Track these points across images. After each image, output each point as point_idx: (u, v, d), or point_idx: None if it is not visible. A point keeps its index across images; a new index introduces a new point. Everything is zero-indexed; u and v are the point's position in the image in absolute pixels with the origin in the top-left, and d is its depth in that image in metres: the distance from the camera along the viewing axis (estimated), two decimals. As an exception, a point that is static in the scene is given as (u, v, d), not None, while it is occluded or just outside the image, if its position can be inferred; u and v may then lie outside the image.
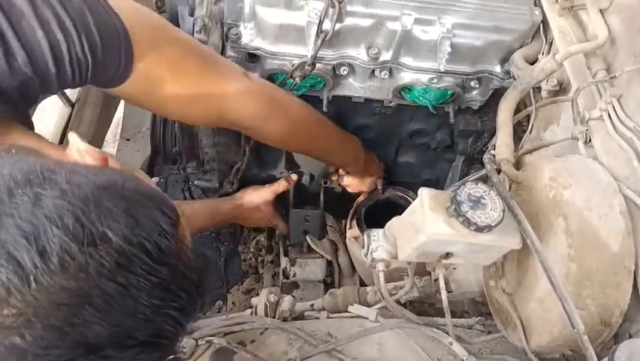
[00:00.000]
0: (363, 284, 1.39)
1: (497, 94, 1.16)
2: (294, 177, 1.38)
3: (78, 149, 0.65)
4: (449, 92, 1.17)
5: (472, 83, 1.16)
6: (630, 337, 0.81)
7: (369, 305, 1.08)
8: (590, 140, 0.89)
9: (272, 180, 1.42)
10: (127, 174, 0.62)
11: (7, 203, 0.52)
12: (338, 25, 1.01)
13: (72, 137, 0.66)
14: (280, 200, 1.43)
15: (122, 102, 1.84)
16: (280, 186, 1.37)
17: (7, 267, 0.49)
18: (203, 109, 0.97)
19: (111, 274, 0.52)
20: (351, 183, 1.40)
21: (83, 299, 0.51)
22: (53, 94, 0.79)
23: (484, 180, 0.93)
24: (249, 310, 1.11)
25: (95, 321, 0.52)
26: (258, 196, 1.37)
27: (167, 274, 0.56)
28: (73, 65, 0.72)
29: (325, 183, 1.44)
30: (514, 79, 1.07)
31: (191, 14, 1.01)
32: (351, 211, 1.43)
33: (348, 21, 1.02)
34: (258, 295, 1.13)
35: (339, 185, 1.44)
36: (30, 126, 0.79)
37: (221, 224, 1.47)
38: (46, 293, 0.50)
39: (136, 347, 0.54)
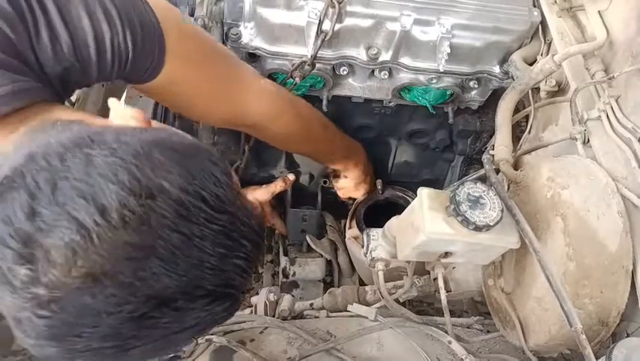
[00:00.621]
0: (362, 284, 1.40)
1: (496, 94, 1.16)
2: (292, 177, 1.39)
3: (120, 113, 0.66)
4: (448, 93, 1.17)
5: (471, 84, 1.16)
6: (628, 336, 0.81)
7: (368, 304, 1.08)
8: (589, 140, 0.90)
9: (271, 179, 1.42)
10: (172, 130, 0.63)
11: (60, 167, 0.52)
12: (338, 26, 1.02)
13: (112, 102, 0.67)
14: (278, 200, 1.43)
15: (122, 101, 1.84)
16: (277, 186, 1.37)
17: (69, 228, 0.50)
18: (225, 108, 0.98)
19: (173, 224, 0.52)
20: (345, 187, 1.40)
21: (148, 252, 0.51)
22: (91, 84, 0.79)
23: (483, 179, 0.93)
24: (248, 309, 1.11)
25: (163, 273, 0.52)
26: (255, 197, 1.38)
27: (228, 221, 0.55)
28: (114, 55, 0.73)
29: (325, 183, 1.45)
30: (513, 79, 1.07)
31: (192, 14, 1.01)
32: (351, 211, 1.43)
33: (348, 21, 1.03)
34: (257, 294, 1.14)
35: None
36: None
37: None
38: (110, 249, 0.50)
39: (206, 297, 0.55)
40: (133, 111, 0.65)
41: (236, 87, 0.97)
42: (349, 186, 1.38)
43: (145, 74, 0.80)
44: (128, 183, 0.52)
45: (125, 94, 1.60)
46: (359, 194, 1.42)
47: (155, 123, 0.67)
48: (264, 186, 1.39)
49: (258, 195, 1.37)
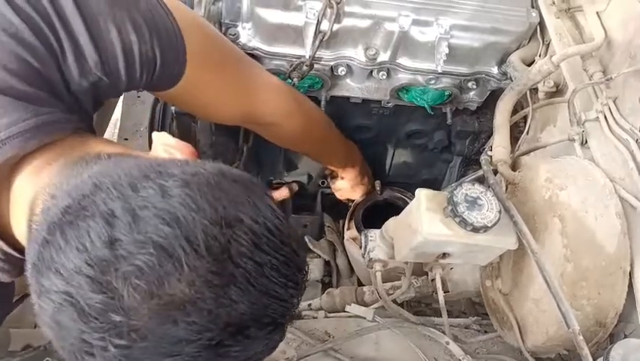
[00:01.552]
0: (360, 284, 1.40)
1: (494, 95, 1.16)
2: (295, 187, 1.39)
3: (166, 144, 0.66)
4: (447, 93, 1.17)
5: (470, 84, 1.16)
6: (625, 337, 0.81)
7: (366, 305, 1.08)
8: (587, 141, 0.90)
9: (269, 178, 1.42)
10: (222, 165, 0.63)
11: (135, 197, 0.52)
12: (336, 26, 1.02)
13: (158, 135, 0.68)
14: (279, 205, 1.43)
15: (120, 102, 1.84)
16: (281, 194, 1.37)
17: (154, 254, 0.49)
18: (243, 108, 0.98)
19: (250, 253, 0.53)
20: (342, 188, 1.39)
21: (228, 280, 0.52)
22: (120, 95, 0.79)
23: (481, 180, 0.93)
24: (246, 310, 1.11)
25: (240, 300, 0.52)
26: None
27: (289, 251, 0.57)
28: (143, 65, 0.72)
29: (323, 183, 1.45)
30: (512, 80, 1.07)
31: (190, 14, 1.01)
32: (349, 212, 1.43)
33: (346, 22, 1.03)
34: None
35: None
36: (93, 132, 0.79)
37: None
38: (196, 277, 0.50)
39: (269, 325, 0.56)
40: (180, 143, 0.66)
41: (252, 87, 0.97)
42: (346, 187, 1.38)
43: (168, 82, 0.80)
44: (208, 212, 0.52)
45: (121, 97, 1.60)
46: (357, 195, 1.42)
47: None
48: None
49: None
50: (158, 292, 0.49)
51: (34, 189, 0.61)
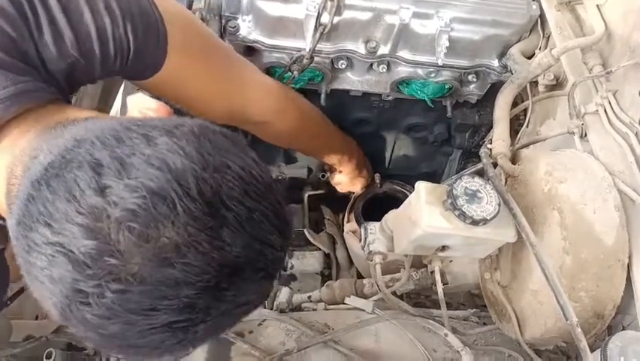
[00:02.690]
0: (360, 276, 1.40)
1: (495, 88, 1.16)
2: None
3: (144, 108, 0.66)
4: (447, 86, 1.17)
5: (470, 77, 1.16)
6: (623, 329, 0.82)
7: (365, 297, 1.09)
8: (586, 134, 0.90)
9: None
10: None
11: (120, 146, 0.52)
12: (336, 19, 1.01)
13: (133, 98, 0.67)
14: None
15: (120, 94, 1.84)
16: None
17: (147, 197, 0.49)
18: (228, 106, 0.98)
19: (241, 197, 0.53)
20: (341, 182, 1.40)
21: (221, 222, 0.52)
22: (95, 81, 0.78)
23: (481, 173, 0.93)
24: (246, 302, 1.11)
25: (233, 243, 0.52)
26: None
27: (276, 202, 0.57)
28: (116, 48, 0.72)
29: (323, 177, 1.45)
30: (512, 73, 1.07)
31: (189, 7, 1.01)
32: (349, 205, 1.43)
33: (347, 14, 1.02)
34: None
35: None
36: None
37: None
38: (192, 220, 0.50)
39: (262, 270, 0.56)
40: (157, 104, 0.66)
41: (238, 85, 0.97)
42: (345, 180, 1.39)
43: (147, 70, 0.80)
44: (196, 158, 0.52)
45: (122, 87, 1.60)
46: (356, 188, 1.42)
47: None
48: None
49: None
50: (154, 235, 0.49)
51: (12, 155, 0.61)
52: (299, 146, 1.29)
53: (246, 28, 1.05)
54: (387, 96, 1.22)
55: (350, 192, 1.45)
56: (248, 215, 0.54)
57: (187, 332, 0.54)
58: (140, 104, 0.67)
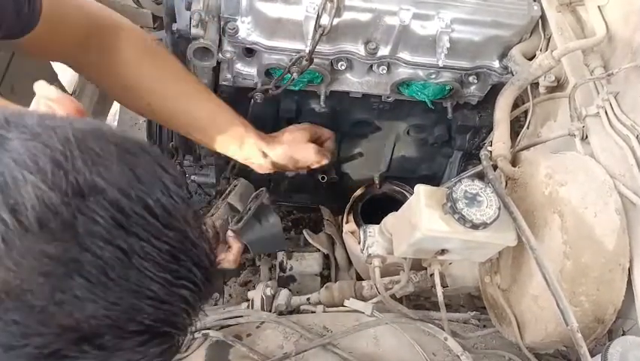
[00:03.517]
0: (359, 278, 1.40)
1: (495, 89, 1.15)
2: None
3: (47, 98, 0.55)
4: (447, 88, 1.17)
5: (471, 79, 1.16)
6: (624, 333, 0.81)
7: (365, 300, 1.08)
8: (587, 136, 0.89)
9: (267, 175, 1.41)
10: (111, 125, 0.51)
11: None
12: (336, 20, 1.01)
13: (39, 86, 0.57)
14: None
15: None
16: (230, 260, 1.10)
17: None
18: (73, 24, 0.91)
19: (107, 234, 0.40)
20: (280, 161, 1.15)
21: (71, 268, 0.39)
22: None
23: (481, 176, 0.93)
24: (245, 304, 1.11)
25: (89, 298, 0.40)
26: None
27: (177, 240, 0.44)
28: None
29: (323, 179, 1.44)
30: (513, 74, 1.07)
31: (188, 8, 1.00)
32: (348, 205, 1.43)
33: (346, 15, 1.02)
34: (254, 287, 1.14)
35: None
36: None
37: None
38: (20, 260, 0.38)
39: (141, 334, 0.43)
40: (62, 96, 0.55)
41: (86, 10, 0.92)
42: (283, 158, 1.15)
43: (21, 25, 0.74)
44: (51, 174, 0.39)
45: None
46: (301, 154, 1.17)
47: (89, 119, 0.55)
48: None
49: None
50: None
51: None
52: (164, 84, 1.05)
53: (245, 30, 1.04)
54: (387, 98, 1.22)
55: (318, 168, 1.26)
56: (119, 259, 0.41)
57: None
58: (45, 94, 0.57)
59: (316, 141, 1.20)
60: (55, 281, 0.39)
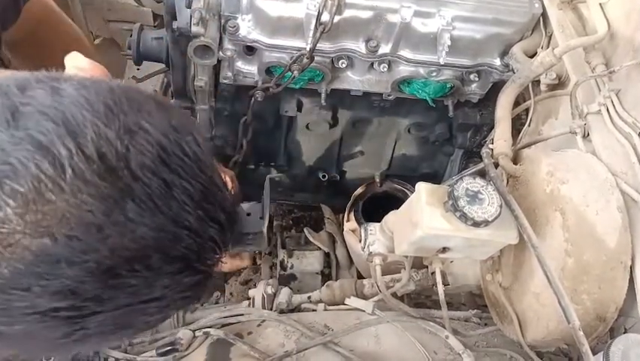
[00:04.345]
0: (360, 276, 1.40)
1: (497, 87, 1.15)
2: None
3: (78, 67, 0.59)
4: (448, 86, 1.16)
5: (472, 77, 1.15)
6: (625, 331, 0.81)
7: (366, 298, 1.08)
8: (589, 134, 0.89)
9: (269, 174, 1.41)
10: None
11: (20, 95, 0.44)
12: (337, 18, 1.00)
13: (69, 57, 0.60)
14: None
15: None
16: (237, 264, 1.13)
17: (33, 153, 0.41)
18: None
19: (155, 166, 0.45)
20: None
21: (125, 193, 0.44)
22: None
23: (482, 174, 0.92)
24: (246, 302, 1.11)
25: (140, 221, 0.44)
26: None
27: (207, 182, 0.49)
28: None
29: (324, 177, 1.45)
30: (514, 72, 1.07)
31: (189, 6, 1.00)
32: (349, 204, 1.43)
33: (347, 13, 1.02)
34: (255, 286, 1.14)
35: None
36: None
37: None
38: (83, 184, 0.42)
39: (179, 260, 0.48)
40: (93, 64, 0.58)
41: None
42: None
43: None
44: (104, 114, 0.44)
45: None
46: None
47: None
48: None
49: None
50: (34, 198, 0.41)
51: None
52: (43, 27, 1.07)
53: (246, 28, 1.04)
54: (388, 96, 1.21)
55: None
56: (163, 190, 0.45)
57: (72, 324, 0.45)
58: (75, 64, 0.60)
59: None
60: (112, 204, 0.43)
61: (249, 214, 1.17)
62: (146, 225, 0.45)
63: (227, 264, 1.11)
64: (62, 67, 0.91)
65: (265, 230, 1.14)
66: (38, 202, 0.42)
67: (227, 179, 1.09)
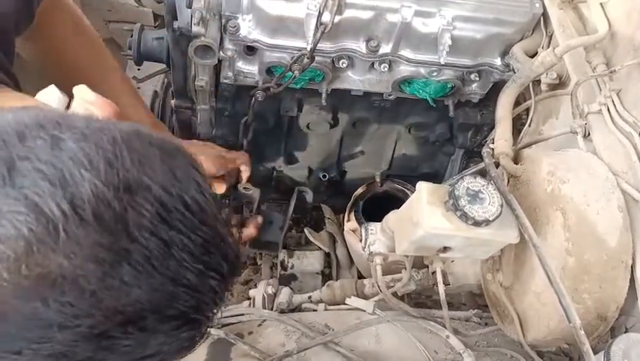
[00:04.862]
0: (360, 276, 1.40)
1: (497, 87, 1.15)
2: (260, 220, 1.27)
3: (86, 101, 0.58)
4: (449, 85, 1.16)
5: (472, 76, 1.15)
6: (626, 331, 0.81)
7: (366, 298, 1.08)
8: (589, 134, 0.89)
9: (270, 173, 1.41)
10: (146, 126, 0.54)
11: (19, 146, 0.43)
12: (337, 18, 1.00)
13: (77, 89, 0.60)
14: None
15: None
16: (248, 233, 1.22)
17: (27, 215, 0.41)
18: None
19: (153, 227, 0.44)
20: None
21: (121, 256, 0.43)
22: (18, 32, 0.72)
23: (483, 174, 0.92)
24: (246, 302, 1.11)
25: (135, 283, 0.44)
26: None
27: (209, 234, 0.48)
28: None
29: (324, 177, 1.45)
30: (514, 72, 1.07)
31: (189, 6, 1.00)
32: (350, 204, 1.43)
33: (348, 13, 1.02)
34: (256, 286, 1.14)
35: None
36: (16, 84, 0.73)
37: None
38: (77, 248, 0.42)
39: (176, 319, 0.47)
40: (100, 99, 0.58)
41: None
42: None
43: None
44: (104, 171, 0.43)
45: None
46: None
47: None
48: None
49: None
50: (27, 262, 0.41)
51: None
52: (68, 49, 1.07)
53: (247, 28, 1.04)
54: (389, 95, 1.21)
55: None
56: (161, 249, 0.45)
57: None
58: (83, 96, 0.60)
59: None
60: (107, 268, 0.43)
61: (270, 222, 1.29)
62: (141, 287, 0.44)
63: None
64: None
65: (281, 242, 1.28)
66: (30, 266, 0.41)
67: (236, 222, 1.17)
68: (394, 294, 1.04)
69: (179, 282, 0.46)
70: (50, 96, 0.61)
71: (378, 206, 1.33)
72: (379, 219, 0.97)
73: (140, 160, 0.46)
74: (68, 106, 0.62)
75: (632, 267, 0.78)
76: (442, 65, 1.08)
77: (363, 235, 0.95)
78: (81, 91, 0.61)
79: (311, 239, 1.43)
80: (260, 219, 1.27)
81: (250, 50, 1.09)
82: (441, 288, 0.92)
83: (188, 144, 1.18)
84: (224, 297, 0.52)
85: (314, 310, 1.09)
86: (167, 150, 0.50)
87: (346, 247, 1.46)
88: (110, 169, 0.44)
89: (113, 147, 0.45)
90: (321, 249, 1.45)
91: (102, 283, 0.43)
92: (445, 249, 0.84)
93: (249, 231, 1.26)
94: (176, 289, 0.46)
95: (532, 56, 1.05)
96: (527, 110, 1.09)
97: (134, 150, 0.46)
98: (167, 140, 0.52)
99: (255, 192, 1.25)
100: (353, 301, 1.03)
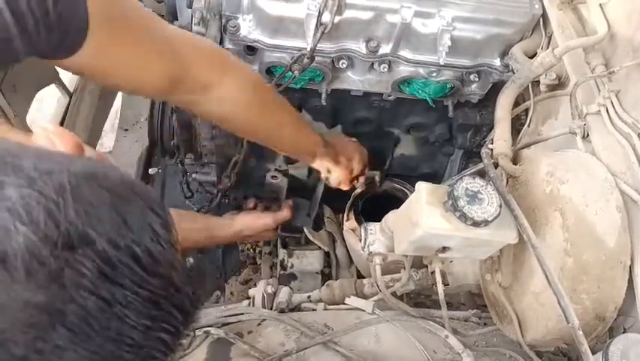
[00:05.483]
0: (360, 276, 1.40)
1: (496, 88, 1.15)
2: (290, 203, 1.42)
3: (45, 132, 0.55)
4: (448, 86, 1.17)
5: (472, 77, 1.16)
6: (624, 331, 0.81)
7: (366, 297, 1.08)
8: (588, 134, 0.89)
9: (268, 173, 1.41)
10: (108, 163, 0.51)
11: None
12: (337, 18, 1.01)
13: (38, 124, 0.58)
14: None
15: (120, 92, 1.84)
16: (282, 215, 1.37)
17: None
18: (168, 73, 0.87)
19: (92, 286, 0.41)
20: (337, 182, 1.32)
21: (54, 318, 0.40)
22: (21, 58, 0.68)
23: (482, 174, 0.93)
24: (246, 301, 1.11)
25: (70, 347, 0.41)
26: (259, 225, 1.37)
27: (160, 287, 0.45)
28: (35, 20, 0.63)
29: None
30: (514, 73, 1.07)
31: (190, 6, 1.00)
32: (349, 203, 1.43)
33: (348, 13, 1.02)
34: (255, 285, 1.14)
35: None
36: None
37: (215, 245, 1.52)
38: (5, 310, 0.39)
39: None
40: (60, 130, 0.55)
41: (166, 44, 0.86)
42: (340, 180, 1.31)
43: (69, 42, 0.71)
44: (43, 225, 0.40)
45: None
46: (357, 185, 1.38)
47: (89, 152, 0.56)
48: (270, 213, 1.41)
49: (262, 222, 1.37)
50: None
51: None
52: (256, 126, 1.09)
53: (247, 28, 1.04)
54: (389, 96, 1.22)
55: (352, 185, 1.39)
56: (101, 309, 0.41)
57: None
58: (44, 125, 0.57)
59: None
60: (38, 331, 0.40)
61: (297, 208, 1.41)
62: (77, 351, 0.41)
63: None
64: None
65: (309, 229, 1.40)
66: None
67: (263, 224, 1.38)
68: (394, 294, 1.04)
69: (121, 341, 0.43)
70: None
71: (377, 206, 1.34)
72: (379, 219, 0.97)
73: (87, 210, 0.42)
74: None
75: (630, 267, 0.78)
76: (442, 66, 1.09)
77: (363, 234, 0.95)
78: (42, 124, 0.58)
79: (311, 238, 1.43)
80: (292, 203, 1.39)
81: (250, 50, 1.09)
82: (440, 288, 0.92)
83: (348, 141, 1.32)
84: (177, 345, 0.48)
85: (313, 310, 1.09)
86: (123, 194, 0.46)
87: (346, 246, 1.46)
88: (50, 222, 0.41)
89: (57, 196, 0.42)
90: (320, 248, 1.45)
91: (33, 347, 0.40)
92: (444, 249, 0.84)
93: (284, 214, 1.39)
94: (117, 350, 0.43)
95: (532, 57, 1.06)
96: (526, 110, 1.09)
97: (80, 198, 0.43)
98: (125, 181, 0.48)
99: (282, 181, 1.37)
100: (352, 301, 1.04)
